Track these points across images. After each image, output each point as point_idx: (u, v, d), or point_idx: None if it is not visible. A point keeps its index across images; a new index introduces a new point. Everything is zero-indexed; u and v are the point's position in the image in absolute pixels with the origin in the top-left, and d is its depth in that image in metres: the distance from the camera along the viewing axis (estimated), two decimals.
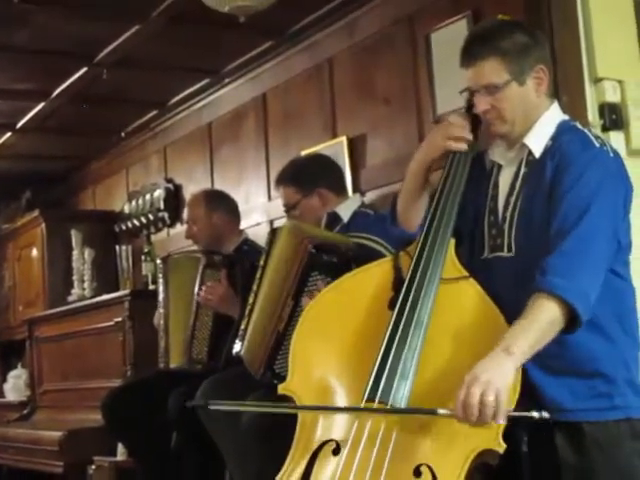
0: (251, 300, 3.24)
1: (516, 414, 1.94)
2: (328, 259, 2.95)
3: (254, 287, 3.25)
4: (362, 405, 2.04)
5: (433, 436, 2.01)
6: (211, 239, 4.08)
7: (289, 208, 3.41)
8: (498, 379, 1.90)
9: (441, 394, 2.05)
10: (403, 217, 2.38)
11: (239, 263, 3.81)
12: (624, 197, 2.17)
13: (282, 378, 2.58)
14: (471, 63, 2.21)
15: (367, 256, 2.44)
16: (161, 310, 3.89)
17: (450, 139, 2.27)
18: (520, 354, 1.96)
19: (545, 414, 1.94)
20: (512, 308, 2.08)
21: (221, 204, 4.15)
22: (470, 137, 2.27)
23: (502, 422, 1.91)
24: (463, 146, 2.27)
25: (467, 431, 1.96)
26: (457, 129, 2.28)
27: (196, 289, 3.77)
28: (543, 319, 1.99)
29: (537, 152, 2.21)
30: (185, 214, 4.27)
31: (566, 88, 3.21)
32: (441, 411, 1.95)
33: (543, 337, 2.00)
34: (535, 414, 1.93)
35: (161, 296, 3.90)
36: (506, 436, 1.97)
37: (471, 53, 2.21)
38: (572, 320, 2.02)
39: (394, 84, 4.33)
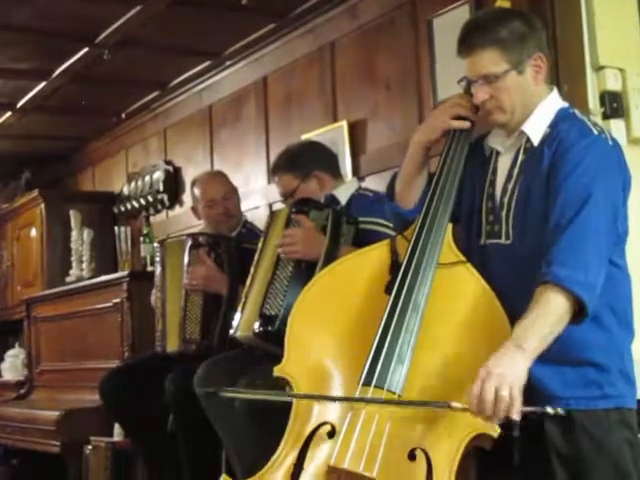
0: (248, 282, 3.25)
1: (530, 409, 1.94)
2: (307, 208, 3.10)
3: (252, 269, 3.26)
4: (358, 389, 2.05)
5: (428, 420, 2.02)
6: (239, 215, 4.10)
7: (288, 195, 3.41)
8: (511, 374, 1.91)
9: (436, 378, 2.07)
10: (400, 196, 2.39)
11: (224, 241, 3.81)
12: (623, 185, 2.17)
13: (271, 318, 2.88)
14: (469, 53, 2.21)
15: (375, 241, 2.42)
16: (158, 294, 3.88)
17: (454, 118, 2.28)
18: (531, 349, 1.96)
19: (560, 410, 1.95)
20: (509, 294, 2.10)
21: None
22: (474, 117, 2.28)
23: (516, 417, 1.89)
24: (466, 124, 2.28)
25: (462, 416, 1.97)
26: (462, 109, 2.28)
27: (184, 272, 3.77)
28: (553, 312, 1.99)
29: (535, 140, 2.22)
30: (207, 194, 4.02)
31: (567, 76, 3.22)
32: (454, 404, 1.94)
33: (552, 331, 2.00)
34: (550, 410, 1.94)
35: (158, 280, 3.89)
36: None
37: (469, 43, 2.21)
38: (578, 311, 2.02)
39: (395, 69, 4.32)
